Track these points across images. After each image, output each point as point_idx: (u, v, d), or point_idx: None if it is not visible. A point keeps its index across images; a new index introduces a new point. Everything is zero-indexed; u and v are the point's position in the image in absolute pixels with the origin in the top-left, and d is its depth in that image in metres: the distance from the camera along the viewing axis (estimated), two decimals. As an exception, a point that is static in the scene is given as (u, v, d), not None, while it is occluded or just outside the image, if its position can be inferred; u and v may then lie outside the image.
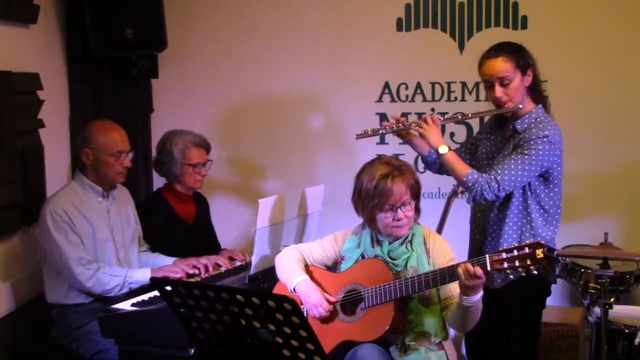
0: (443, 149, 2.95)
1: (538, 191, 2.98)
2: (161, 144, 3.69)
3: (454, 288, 2.70)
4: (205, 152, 3.68)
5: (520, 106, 2.95)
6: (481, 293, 2.57)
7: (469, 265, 2.52)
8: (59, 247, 3.12)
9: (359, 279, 2.78)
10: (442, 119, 3.08)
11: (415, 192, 2.78)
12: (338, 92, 4.38)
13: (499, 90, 2.94)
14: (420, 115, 4.26)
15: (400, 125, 3.11)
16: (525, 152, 2.88)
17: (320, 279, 2.86)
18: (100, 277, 3.14)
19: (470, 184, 2.89)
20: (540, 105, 3.01)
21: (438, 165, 3.24)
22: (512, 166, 2.88)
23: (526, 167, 2.87)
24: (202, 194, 3.87)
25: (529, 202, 2.98)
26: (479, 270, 2.50)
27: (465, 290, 2.54)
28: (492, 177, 2.87)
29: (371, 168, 2.79)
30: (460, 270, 2.52)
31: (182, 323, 2.39)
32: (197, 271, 3.30)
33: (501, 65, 2.93)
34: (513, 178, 2.87)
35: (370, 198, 2.74)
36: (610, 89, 4.13)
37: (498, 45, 3.01)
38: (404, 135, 3.21)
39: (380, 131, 3.14)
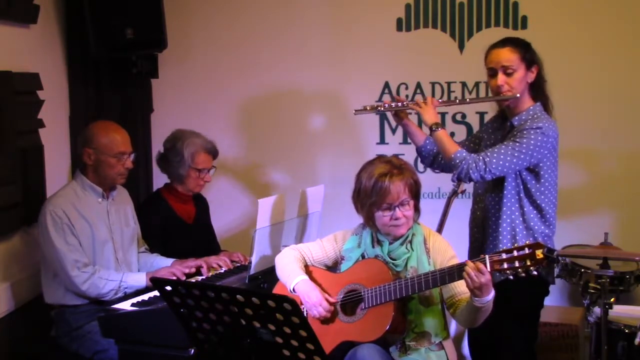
0: (435, 126, 2.99)
1: (529, 186, 2.99)
2: (171, 142, 3.68)
3: (457, 286, 2.70)
4: (212, 159, 3.70)
5: (518, 95, 2.98)
6: (493, 293, 2.56)
7: (471, 263, 2.51)
8: (56, 249, 3.12)
9: (358, 279, 2.78)
10: (440, 101, 3.14)
11: (415, 192, 2.78)
12: (338, 92, 4.38)
13: (501, 79, 2.98)
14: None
15: (399, 104, 3.15)
16: (517, 140, 2.91)
17: (320, 279, 2.86)
18: (95, 281, 3.14)
19: (457, 161, 2.92)
20: (539, 103, 3.03)
21: (432, 158, 3.26)
22: (502, 151, 2.91)
23: (515, 154, 2.89)
24: (202, 195, 3.87)
25: (521, 195, 3.00)
26: (480, 265, 2.50)
27: (475, 291, 2.53)
28: (481, 157, 2.90)
29: (371, 167, 2.80)
30: (465, 273, 2.51)
31: (182, 323, 2.39)
32: (193, 270, 3.30)
33: (507, 55, 2.98)
34: (501, 162, 2.89)
35: (368, 196, 2.75)
36: (610, 89, 4.13)
37: (507, 37, 3.08)
38: (401, 118, 3.25)
39: (379, 108, 3.20)
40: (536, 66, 3.02)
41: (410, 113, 3.24)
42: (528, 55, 3.00)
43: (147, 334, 2.90)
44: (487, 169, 2.88)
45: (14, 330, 3.31)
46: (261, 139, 4.50)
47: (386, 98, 4.31)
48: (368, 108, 3.19)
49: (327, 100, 4.40)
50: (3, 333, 3.24)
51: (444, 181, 4.13)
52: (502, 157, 2.89)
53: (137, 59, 4.02)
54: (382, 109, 3.20)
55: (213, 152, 3.70)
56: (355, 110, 3.23)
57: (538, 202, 3.00)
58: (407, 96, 4.31)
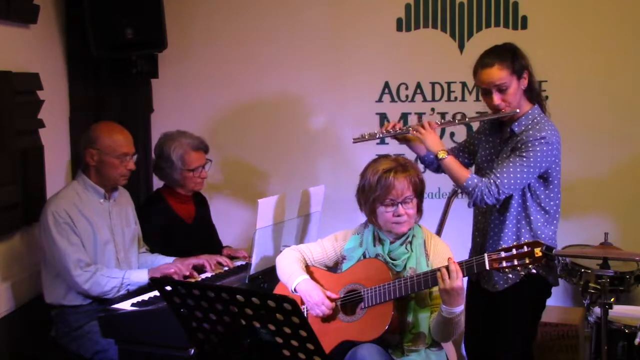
0: (442, 154, 2.97)
1: (538, 192, 2.98)
2: (158, 148, 3.65)
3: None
4: (204, 154, 3.66)
5: (518, 110, 2.96)
6: (462, 308, 2.58)
7: (444, 268, 2.55)
8: (59, 249, 3.12)
9: (358, 279, 2.78)
10: (439, 123, 3.11)
11: (418, 191, 2.79)
12: (338, 92, 4.38)
13: (497, 98, 2.95)
14: (420, 115, 4.27)
15: (398, 130, 3.13)
16: (524, 154, 2.88)
17: (321, 279, 2.86)
18: (98, 279, 3.14)
19: (470, 189, 2.90)
20: (536, 106, 3.01)
21: (436, 165, 3.25)
22: (511, 169, 2.88)
23: (524, 170, 2.87)
24: (201, 194, 3.86)
25: (528, 203, 2.98)
26: (452, 265, 2.54)
27: (445, 297, 2.55)
28: (492, 181, 2.88)
29: (376, 163, 2.83)
30: (441, 273, 2.54)
31: (182, 323, 2.39)
32: (195, 273, 3.31)
33: (497, 74, 2.92)
34: (512, 181, 2.87)
35: (372, 191, 2.76)
36: (610, 88, 4.13)
37: (491, 51, 2.99)
38: (401, 138, 3.23)
39: (378, 135, 3.16)
40: (526, 72, 2.97)
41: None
42: (517, 65, 2.93)
43: (147, 334, 2.90)
44: (500, 191, 2.87)
45: (14, 330, 3.31)
46: (261, 139, 4.50)
47: (386, 99, 4.32)
48: (367, 136, 3.15)
49: (327, 100, 4.40)
50: (3, 333, 3.24)
51: (444, 181, 4.11)
52: (512, 175, 2.87)
53: (137, 59, 4.02)
54: (381, 135, 3.16)
55: (203, 148, 3.65)
56: (354, 139, 3.19)
57: (547, 208, 2.99)
58: (407, 96, 4.31)
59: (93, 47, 3.77)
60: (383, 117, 4.33)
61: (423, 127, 3.04)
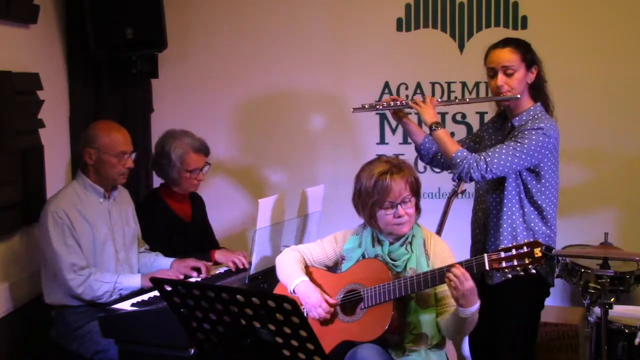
0: (436, 126, 2.99)
1: (530, 186, 3.00)
2: (160, 145, 3.65)
3: (449, 295, 2.69)
4: (204, 157, 3.65)
5: (519, 96, 2.98)
6: (478, 305, 2.56)
7: (454, 269, 2.52)
8: (54, 251, 3.12)
9: (358, 279, 2.78)
10: (439, 101, 3.14)
11: (415, 190, 2.79)
12: (338, 92, 4.38)
13: (501, 79, 2.98)
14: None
15: (398, 103, 3.15)
16: (519, 140, 2.92)
17: (320, 279, 2.86)
18: (91, 283, 3.13)
19: (458, 160, 2.92)
20: (539, 104, 3.03)
21: (431, 156, 3.27)
22: (504, 151, 2.91)
23: (517, 154, 2.90)
24: (197, 193, 3.85)
25: (522, 195, 3.01)
26: (457, 270, 2.51)
27: (462, 301, 2.53)
28: (482, 157, 2.91)
29: (370, 166, 2.80)
30: (448, 279, 2.52)
31: (182, 323, 2.39)
32: (195, 273, 3.30)
33: (508, 55, 2.98)
34: (502, 162, 2.89)
35: (369, 195, 2.74)
36: (610, 88, 4.13)
37: (507, 38, 3.08)
38: (400, 117, 3.25)
39: (377, 107, 3.19)
40: (536, 67, 3.03)
41: (410, 113, 3.24)
42: (529, 55, 3.01)
43: (147, 334, 2.90)
44: (488, 169, 2.89)
45: (13, 330, 3.31)
46: (261, 139, 4.50)
47: (386, 97, 4.31)
48: (366, 106, 3.18)
49: (327, 100, 4.40)
50: (3, 333, 3.24)
51: (444, 181, 4.13)
52: (503, 156, 2.89)
53: (137, 59, 4.02)
54: (381, 107, 3.19)
55: (203, 150, 3.65)
56: (354, 109, 3.23)
57: (539, 202, 3.00)
58: (407, 96, 4.31)
59: (93, 47, 3.77)
60: (383, 117, 4.33)
61: (424, 101, 3.06)
